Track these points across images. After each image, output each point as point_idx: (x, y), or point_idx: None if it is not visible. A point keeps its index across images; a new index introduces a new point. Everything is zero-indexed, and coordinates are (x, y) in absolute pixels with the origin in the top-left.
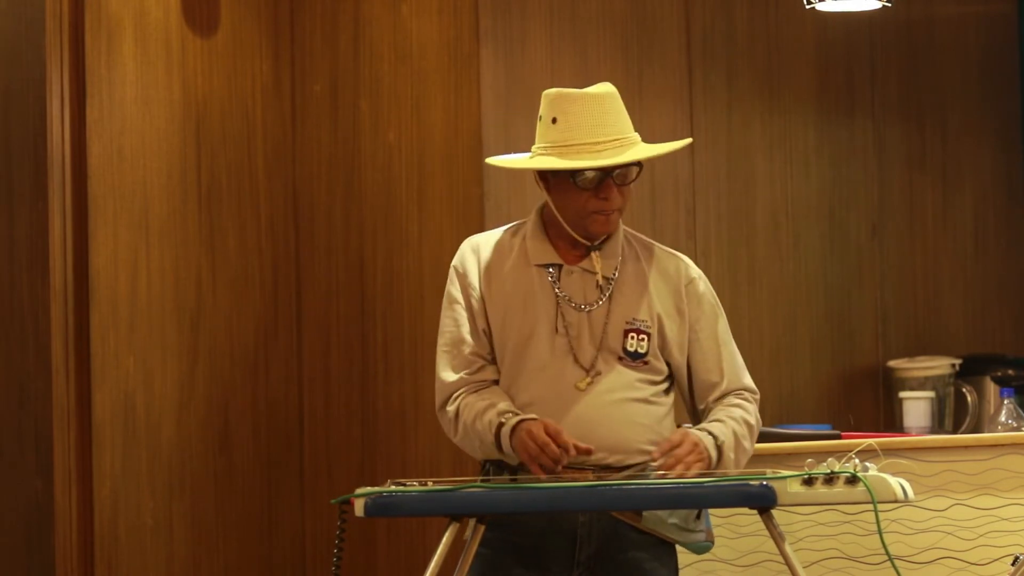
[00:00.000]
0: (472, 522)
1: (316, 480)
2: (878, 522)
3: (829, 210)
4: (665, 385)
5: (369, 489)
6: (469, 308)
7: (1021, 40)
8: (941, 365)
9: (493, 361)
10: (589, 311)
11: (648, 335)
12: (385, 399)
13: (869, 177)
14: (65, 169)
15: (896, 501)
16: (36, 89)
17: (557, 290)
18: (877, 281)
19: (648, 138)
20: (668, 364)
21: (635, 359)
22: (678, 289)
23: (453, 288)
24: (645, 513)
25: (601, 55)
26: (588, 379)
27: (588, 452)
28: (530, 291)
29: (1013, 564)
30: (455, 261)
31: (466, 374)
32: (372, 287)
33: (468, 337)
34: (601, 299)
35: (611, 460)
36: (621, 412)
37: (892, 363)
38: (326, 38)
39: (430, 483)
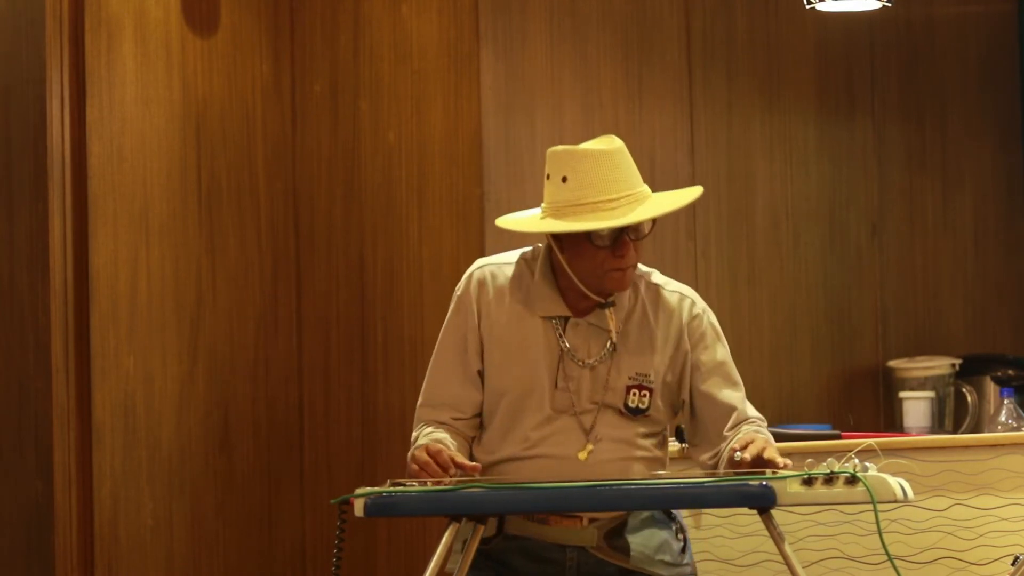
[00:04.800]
0: (468, 522)
1: (316, 480)
2: (878, 522)
3: (829, 210)
4: (662, 436)
5: (368, 489)
6: (464, 351)
7: (1021, 40)
8: (941, 365)
9: (470, 415)
10: (593, 366)
11: (651, 390)
12: (385, 399)
13: (869, 177)
14: (65, 169)
15: (896, 501)
16: (36, 89)
17: (562, 344)
18: (877, 281)
19: (648, 138)
20: (671, 406)
21: (636, 414)
22: (680, 328)
23: (455, 319)
24: (633, 552)
25: (601, 55)
26: (590, 447)
27: (475, 470)
28: (532, 343)
29: (1013, 564)
30: (460, 290)
31: (433, 423)
32: (372, 287)
33: (453, 387)
34: (605, 354)
35: (603, 516)
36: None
37: (892, 363)
38: (326, 38)
39: (430, 483)
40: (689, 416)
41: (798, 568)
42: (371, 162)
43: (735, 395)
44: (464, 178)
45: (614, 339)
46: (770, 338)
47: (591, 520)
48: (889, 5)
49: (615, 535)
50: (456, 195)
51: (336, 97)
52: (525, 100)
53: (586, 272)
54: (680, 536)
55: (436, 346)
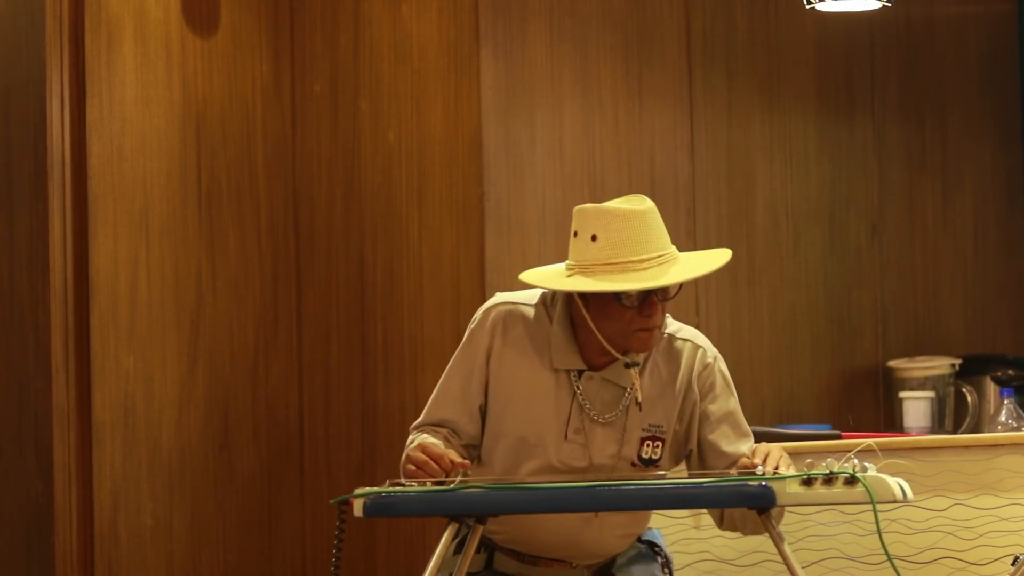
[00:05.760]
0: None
1: (316, 480)
2: (877, 522)
3: (829, 210)
4: None
5: (368, 489)
6: (468, 385)
7: (1021, 40)
8: (941, 365)
9: (465, 441)
10: (608, 422)
11: (663, 441)
12: (385, 399)
13: (869, 177)
14: (65, 169)
15: (895, 501)
16: (36, 89)
17: (575, 398)
18: (877, 281)
19: (648, 138)
20: (676, 456)
21: (648, 466)
22: (690, 378)
23: (465, 351)
24: None
25: (601, 55)
26: None
27: (464, 466)
28: (541, 392)
29: (1013, 564)
30: (475, 323)
31: (429, 431)
32: (372, 287)
33: (451, 413)
34: (621, 411)
35: (596, 561)
36: (622, 528)
37: (892, 363)
38: (326, 38)
39: (429, 483)
40: (698, 463)
41: (797, 568)
42: (371, 162)
43: (744, 445)
44: (464, 178)
45: (639, 399)
46: (770, 338)
47: (580, 563)
48: (889, 5)
49: (603, 573)
50: (456, 195)
51: (336, 97)
52: (525, 100)
53: (612, 331)
54: (666, 570)
55: (444, 373)
